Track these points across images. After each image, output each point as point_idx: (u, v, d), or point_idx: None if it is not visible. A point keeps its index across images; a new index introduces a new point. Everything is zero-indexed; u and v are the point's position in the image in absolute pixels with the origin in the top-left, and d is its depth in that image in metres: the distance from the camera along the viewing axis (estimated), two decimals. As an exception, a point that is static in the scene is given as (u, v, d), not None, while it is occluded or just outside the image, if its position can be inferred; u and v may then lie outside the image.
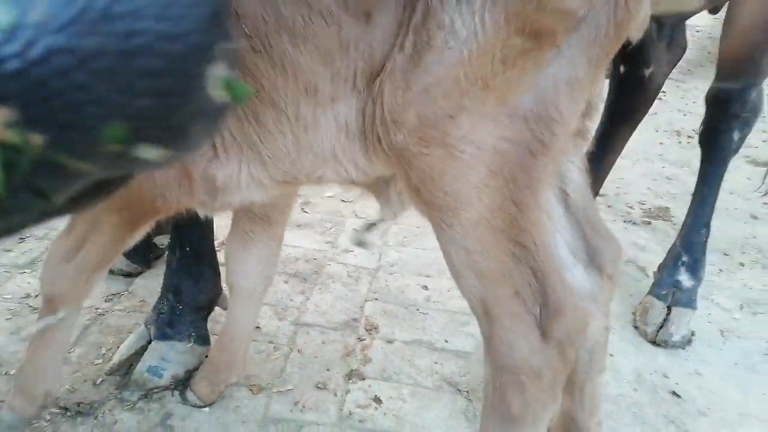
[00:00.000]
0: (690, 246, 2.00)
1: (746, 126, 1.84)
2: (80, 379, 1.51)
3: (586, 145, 1.21)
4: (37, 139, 0.47)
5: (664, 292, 1.99)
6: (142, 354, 1.53)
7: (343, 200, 2.66)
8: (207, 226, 1.54)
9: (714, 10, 2.01)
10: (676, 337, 1.91)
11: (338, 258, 2.19)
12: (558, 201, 1.19)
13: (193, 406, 1.47)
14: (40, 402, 1.27)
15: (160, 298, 1.58)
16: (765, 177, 2.33)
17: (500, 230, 0.98)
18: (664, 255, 2.13)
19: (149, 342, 1.54)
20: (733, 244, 2.66)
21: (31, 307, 1.75)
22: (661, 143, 3.91)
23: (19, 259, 2.00)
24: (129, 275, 1.93)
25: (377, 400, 1.59)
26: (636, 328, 2.01)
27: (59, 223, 1.16)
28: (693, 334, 1.97)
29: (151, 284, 1.90)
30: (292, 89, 0.96)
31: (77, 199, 0.58)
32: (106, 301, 1.83)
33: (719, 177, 1.93)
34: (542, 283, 1.01)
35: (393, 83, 0.92)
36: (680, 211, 2.39)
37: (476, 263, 0.99)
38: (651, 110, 3.93)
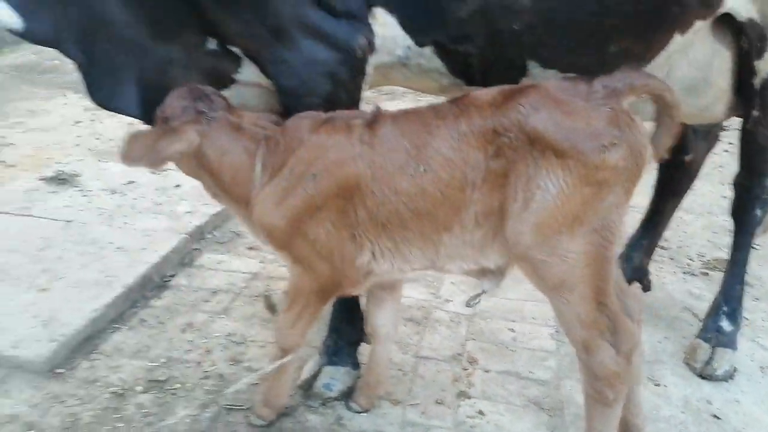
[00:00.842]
0: (729, 298, 2.48)
1: (766, 204, 2.35)
2: (276, 392, 2.24)
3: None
4: None
5: (709, 336, 2.47)
6: (319, 375, 2.23)
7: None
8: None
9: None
10: (719, 372, 2.38)
11: (442, 306, 2.83)
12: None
13: (356, 412, 2.14)
14: (279, 411, 2.02)
15: (327, 336, 2.28)
16: None
17: (593, 297, 1.63)
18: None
19: (322, 366, 2.25)
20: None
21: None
22: (724, 196, 4.29)
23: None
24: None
25: (481, 413, 2.19)
26: (687, 364, 2.49)
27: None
28: (735, 369, 2.42)
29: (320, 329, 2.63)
30: (435, 227, 1.66)
31: None
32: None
33: (748, 245, 2.42)
34: (614, 322, 1.65)
35: (512, 220, 1.58)
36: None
37: (579, 317, 1.64)
38: (717, 163, 4.39)
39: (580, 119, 1.52)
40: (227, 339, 2.53)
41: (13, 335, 2.40)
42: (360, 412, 2.14)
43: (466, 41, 1.88)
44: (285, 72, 1.89)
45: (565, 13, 1.79)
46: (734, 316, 2.47)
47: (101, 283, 2.74)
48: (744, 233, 2.43)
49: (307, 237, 1.75)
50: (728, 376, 2.39)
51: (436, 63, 1.97)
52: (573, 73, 1.87)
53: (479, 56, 1.90)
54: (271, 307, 2.66)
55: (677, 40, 1.92)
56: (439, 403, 2.23)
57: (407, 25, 1.88)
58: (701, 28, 1.93)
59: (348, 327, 2.27)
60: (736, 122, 2.43)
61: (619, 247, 1.78)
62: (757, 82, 2.08)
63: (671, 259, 3.47)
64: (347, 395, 2.19)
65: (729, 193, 4.31)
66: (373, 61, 1.95)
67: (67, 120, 5.70)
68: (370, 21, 1.87)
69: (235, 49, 1.96)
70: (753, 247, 2.49)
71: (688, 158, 2.67)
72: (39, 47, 2.41)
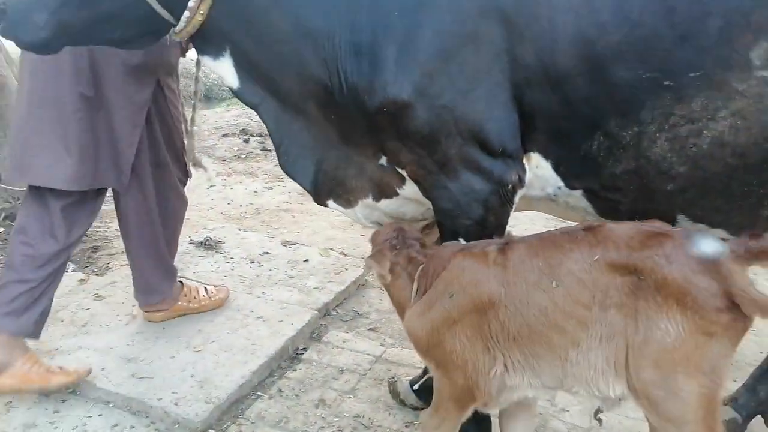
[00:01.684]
0: None
1: None
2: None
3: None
4: None
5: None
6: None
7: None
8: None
9: None
10: None
11: (558, 415, 2.91)
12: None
13: None
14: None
15: None
16: None
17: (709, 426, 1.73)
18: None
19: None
20: None
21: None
22: None
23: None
24: (417, 409, 2.84)
25: None
26: None
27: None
28: None
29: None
30: (563, 341, 1.82)
31: None
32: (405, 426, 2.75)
33: None
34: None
35: (634, 352, 1.72)
36: None
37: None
38: None
39: (706, 278, 1.69)
40: (356, 420, 2.74)
41: (174, 393, 2.76)
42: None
43: (617, 192, 2.04)
44: (444, 196, 2.16)
45: (720, 183, 1.90)
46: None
47: (247, 350, 3.08)
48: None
49: (445, 347, 1.98)
50: None
51: (584, 203, 2.15)
52: (722, 229, 2.00)
53: (629, 206, 2.06)
54: (396, 394, 2.87)
55: None
56: None
57: (560, 171, 2.10)
58: None
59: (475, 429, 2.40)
60: None
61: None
62: None
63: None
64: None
65: None
66: (523, 193, 2.19)
67: (200, 183, 6.42)
68: (525, 162, 2.12)
69: (402, 171, 2.26)
70: None
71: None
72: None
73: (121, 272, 3.79)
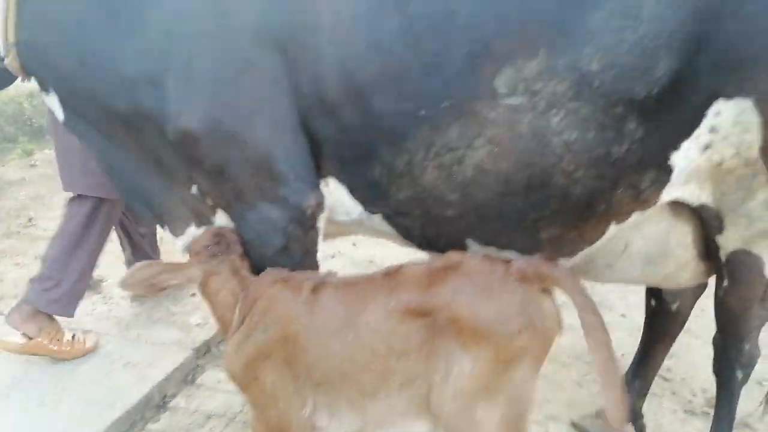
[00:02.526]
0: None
1: (747, 367, 2.33)
2: None
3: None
4: None
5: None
6: None
7: None
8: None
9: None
10: None
11: None
12: None
13: None
14: None
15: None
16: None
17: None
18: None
19: None
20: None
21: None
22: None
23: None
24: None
25: None
26: None
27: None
28: None
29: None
30: (361, 393, 1.81)
31: None
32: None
33: (731, 404, 2.39)
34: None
35: (435, 390, 1.69)
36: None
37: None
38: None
39: (494, 305, 1.70)
40: (214, 470, 2.63)
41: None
42: None
43: (407, 217, 2.05)
44: (245, 227, 2.12)
45: (493, 208, 1.92)
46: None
47: (105, 402, 2.92)
48: (726, 392, 2.41)
49: (259, 384, 1.92)
50: None
51: (387, 228, 2.16)
52: (512, 250, 2.01)
53: (420, 231, 2.07)
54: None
55: (614, 229, 1.98)
56: None
57: (356, 196, 2.09)
58: (648, 214, 1.98)
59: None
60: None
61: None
62: (722, 254, 2.10)
63: (673, 393, 3.39)
64: None
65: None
66: (328, 217, 2.16)
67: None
68: (324, 187, 2.10)
69: (208, 200, 2.21)
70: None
71: (674, 306, 2.69)
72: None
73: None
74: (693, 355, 3.72)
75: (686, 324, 2.79)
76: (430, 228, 2.05)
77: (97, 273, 4.26)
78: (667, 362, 3.01)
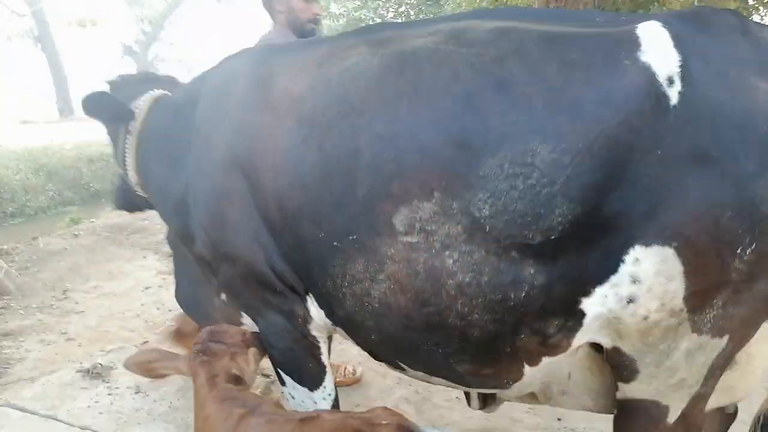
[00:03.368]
0: None
1: None
2: None
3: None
4: None
5: None
6: None
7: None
8: None
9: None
10: None
11: None
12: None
13: None
14: None
15: None
16: None
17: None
18: None
19: None
20: None
21: None
22: None
23: None
24: None
25: None
26: None
27: None
28: None
29: None
30: None
31: None
32: None
33: None
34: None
35: None
36: None
37: None
38: None
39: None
40: None
41: None
42: None
43: (353, 335, 2.14)
44: (259, 329, 2.32)
45: (404, 340, 1.91)
46: None
47: None
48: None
49: None
50: None
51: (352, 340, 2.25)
52: (441, 378, 2.02)
53: (365, 347, 2.15)
54: None
55: (529, 370, 1.85)
56: None
57: (321, 308, 2.16)
58: (559, 358, 1.82)
59: None
60: None
61: None
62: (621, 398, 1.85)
63: None
64: None
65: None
66: (318, 325, 2.26)
67: (139, 285, 6.20)
68: (308, 298, 2.18)
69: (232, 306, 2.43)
70: None
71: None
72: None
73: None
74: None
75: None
76: (369, 347, 2.11)
77: (107, 359, 4.22)
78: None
